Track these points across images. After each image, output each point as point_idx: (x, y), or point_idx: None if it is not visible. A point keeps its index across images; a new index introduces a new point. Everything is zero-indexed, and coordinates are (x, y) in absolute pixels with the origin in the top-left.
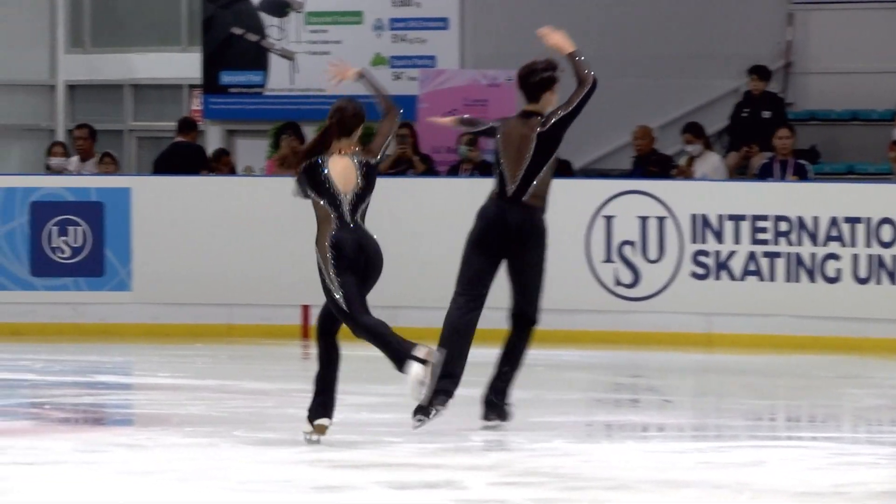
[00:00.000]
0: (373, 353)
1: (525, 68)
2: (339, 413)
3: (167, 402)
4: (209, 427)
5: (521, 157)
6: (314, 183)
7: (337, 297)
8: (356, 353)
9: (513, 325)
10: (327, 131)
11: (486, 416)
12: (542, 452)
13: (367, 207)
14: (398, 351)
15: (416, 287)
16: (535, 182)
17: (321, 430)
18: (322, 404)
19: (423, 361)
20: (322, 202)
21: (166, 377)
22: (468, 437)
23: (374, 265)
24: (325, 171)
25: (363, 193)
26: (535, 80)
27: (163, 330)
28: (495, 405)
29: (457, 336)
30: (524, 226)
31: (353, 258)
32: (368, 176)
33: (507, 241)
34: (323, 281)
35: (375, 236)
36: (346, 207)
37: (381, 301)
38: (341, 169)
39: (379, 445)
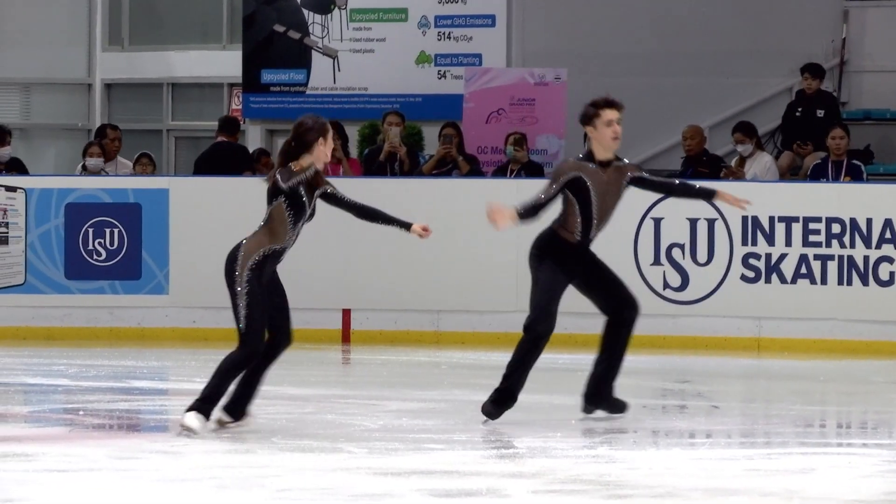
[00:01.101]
0: (414, 358)
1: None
2: (379, 419)
3: None
4: (247, 433)
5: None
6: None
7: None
8: (397, 359)
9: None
10: (284, 148)
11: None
12: (586, 459)
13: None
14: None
15: (460, 291)
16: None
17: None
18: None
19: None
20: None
21: (203, 383)
22: (511, 443)
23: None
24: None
25: (268, 201)
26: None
27: (200, 334)
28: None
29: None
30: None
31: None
32: (270, 188)
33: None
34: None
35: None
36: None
37: (424, 305)
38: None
39: (420, 452)
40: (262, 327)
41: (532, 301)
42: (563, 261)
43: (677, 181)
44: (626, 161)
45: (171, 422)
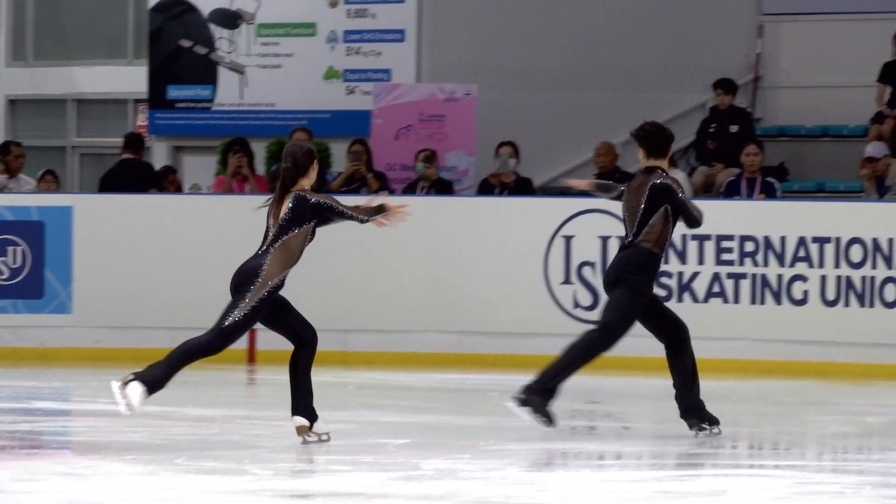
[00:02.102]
0: (321, 378)
1: (655, 124)
2: (285, 441)
3: (107, 430)
4: (150, 455)
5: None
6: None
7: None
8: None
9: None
10: (285, 174)
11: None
12: (495, 482)
13: (295, 236)
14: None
15: (368, 310)
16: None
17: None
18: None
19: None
20: (304, 242)
21: (107, 403)
22: (419, 465)
23: (233, 284)
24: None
25: (286, 224)
26: (667, 135)
27: (104, 354)
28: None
29: None
30: None
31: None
32: (294, 209)
33: None
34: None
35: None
36: (269, 237)
37: (330, 324)
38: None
39: (326, 474)
40: (237, 338)
41: (623, 308)
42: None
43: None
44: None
45: (74, 443)
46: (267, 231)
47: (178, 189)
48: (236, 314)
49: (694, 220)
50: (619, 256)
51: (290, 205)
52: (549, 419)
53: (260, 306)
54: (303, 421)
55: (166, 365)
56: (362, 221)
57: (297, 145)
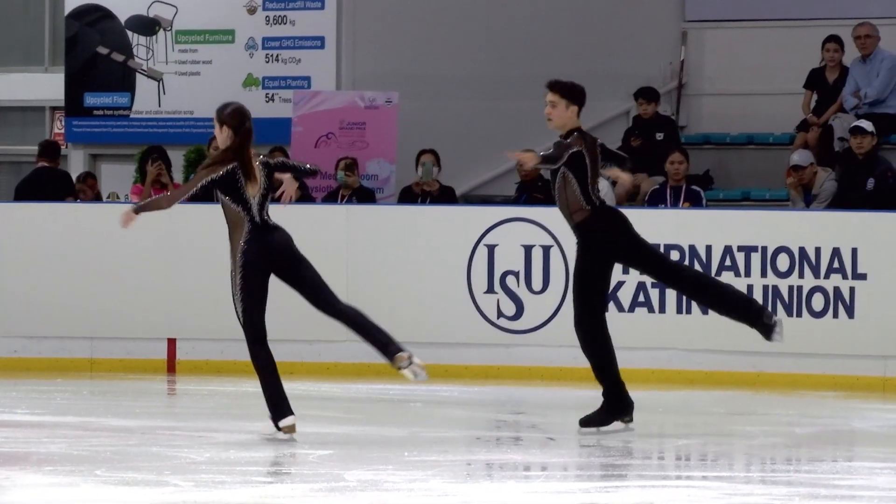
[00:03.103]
0: (241, 388)
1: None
2: (206, 451)
3: (25, 440)
4: (70, 466)
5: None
6: (230, 189)
7: (238, 309)
8: (224, 389)
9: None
10: (246, 135)
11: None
12: (419, 493)
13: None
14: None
15: (287, 320)
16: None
17: (292, 429)
18: (280, 405)
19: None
20: (236, 207)
21: (25, 413)
22: (342, 476)
23: (288, 255)
24: (239, 177)
25: (266, 193)
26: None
27: (22, 364)
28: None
29: None
30: None
31: (263, 266)
32: (269, 177)
33: None
34: (232, 288)
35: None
36: (255, 209)
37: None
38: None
39: (248, 485)
40: None
41: None
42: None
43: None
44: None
45: None
46: (247, 200)
47: (96, 196)
48: (237, 308)
49: (624, 159)
50: (621, 217)
51: (265, 175)
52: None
53: (244, 284)
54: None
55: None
56: (304, 171)
57: (242, 105)
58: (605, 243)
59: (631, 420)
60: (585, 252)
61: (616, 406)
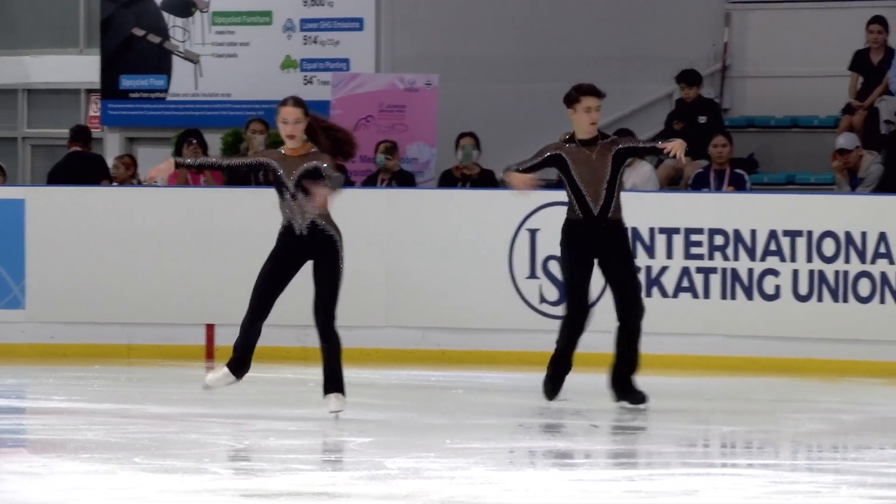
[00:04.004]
0: (281, 375)
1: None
2: (245, 439)
3: (62, 428)
4: (107, 453)
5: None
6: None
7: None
8: (263, 376)
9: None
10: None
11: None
12: (461, 481)
13: None
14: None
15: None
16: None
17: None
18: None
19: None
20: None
21: (62, 401)
22: (383, 464)
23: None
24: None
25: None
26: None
27: (58, 350)
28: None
29: None
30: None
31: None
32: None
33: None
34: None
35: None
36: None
37: (291, 320)
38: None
39: (288, 473)
40: None
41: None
42: (575, 240)
43: (654, 143)
44: (613, 136)
45: (29, 442)
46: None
47: (132, 177)
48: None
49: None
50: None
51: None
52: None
53: None
54: None
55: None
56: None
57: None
58: (590, 248)
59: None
60: (577, 248)
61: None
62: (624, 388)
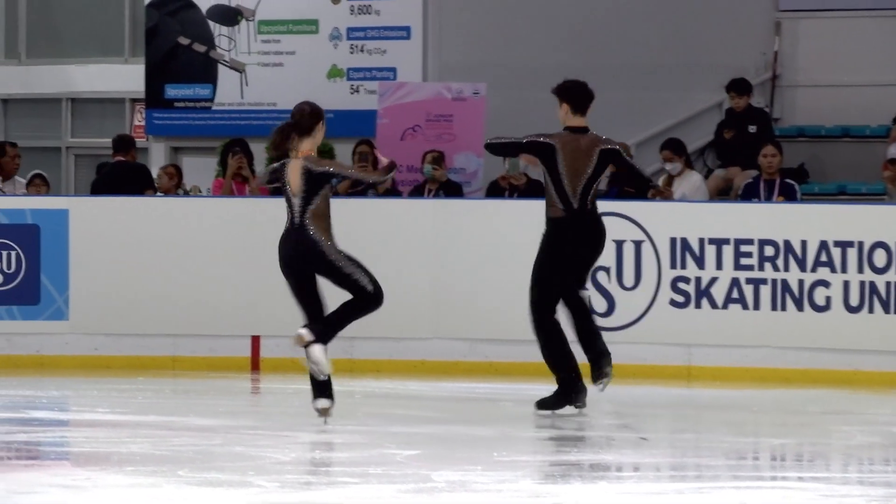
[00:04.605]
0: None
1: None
2: (291, 451)
3: (107, 440)
4: (152, 466)
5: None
6: (278, 181)
7: (355, 273)
8: (310, 388)
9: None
10: (284, 129)
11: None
12: (508, 494)
13: (316, 209)
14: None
15: (375, 316)
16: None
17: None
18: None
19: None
20: (284, 200)
21: (106, 413)
22: (430, 477)
23: (310, 262)
24: (286, 172)
25: (307, 196)
26: (589, 90)
27: (102, 362)
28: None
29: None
30: None
31: (288, 263)
32: (309, 182)
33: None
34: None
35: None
36: (296, 209)
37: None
38: (293, 171)
39: (334, 486)
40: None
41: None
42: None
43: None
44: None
45: (73, 454)
46: (289, 198)
47: (177, 186)
48: (354, 275)
49: (646, 182)
50: (588, 226)
51: (302, 179)
52: None
53: (346, 254)
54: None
55: (334, 324)
56: (370, 183)
57: (306, 103)
58: (566, 245)
59: (584, 405)
60: (548, 246)
61: (569, 390)
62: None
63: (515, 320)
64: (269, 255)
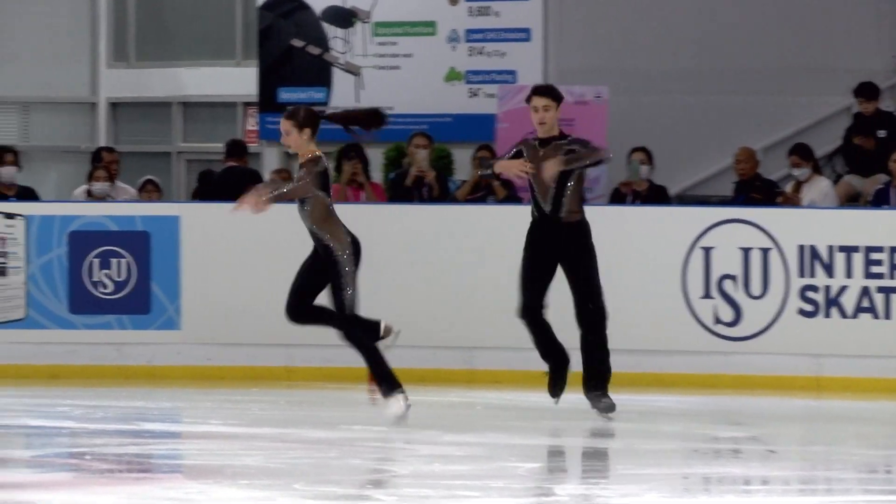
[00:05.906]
0: (446, 398)
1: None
2: (409, 465)
3: (220, 453)
4: (266, 480)
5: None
6: (327, 181)
7: (348, 292)
8: (427, 399)
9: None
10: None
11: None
12: None
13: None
14: (385, 372)
15: (495, 326)
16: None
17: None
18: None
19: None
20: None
21: (219, 425)
22: (552, 490)
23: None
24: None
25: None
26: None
27: (215, 373)
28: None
29: None
30: None
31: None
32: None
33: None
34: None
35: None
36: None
37: (456, 341)
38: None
39: (454, 499)
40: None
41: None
42: (534, 241)
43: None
44: (571, 138)
45: (185, 467)
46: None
47: None
48: (343, 294)
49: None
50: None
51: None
52: None
53: (353, 269)
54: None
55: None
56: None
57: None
58: (530, 247)
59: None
60: (523, 251)
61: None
62: (593, 396)
63: (639, 329)
64: (386, 262)
